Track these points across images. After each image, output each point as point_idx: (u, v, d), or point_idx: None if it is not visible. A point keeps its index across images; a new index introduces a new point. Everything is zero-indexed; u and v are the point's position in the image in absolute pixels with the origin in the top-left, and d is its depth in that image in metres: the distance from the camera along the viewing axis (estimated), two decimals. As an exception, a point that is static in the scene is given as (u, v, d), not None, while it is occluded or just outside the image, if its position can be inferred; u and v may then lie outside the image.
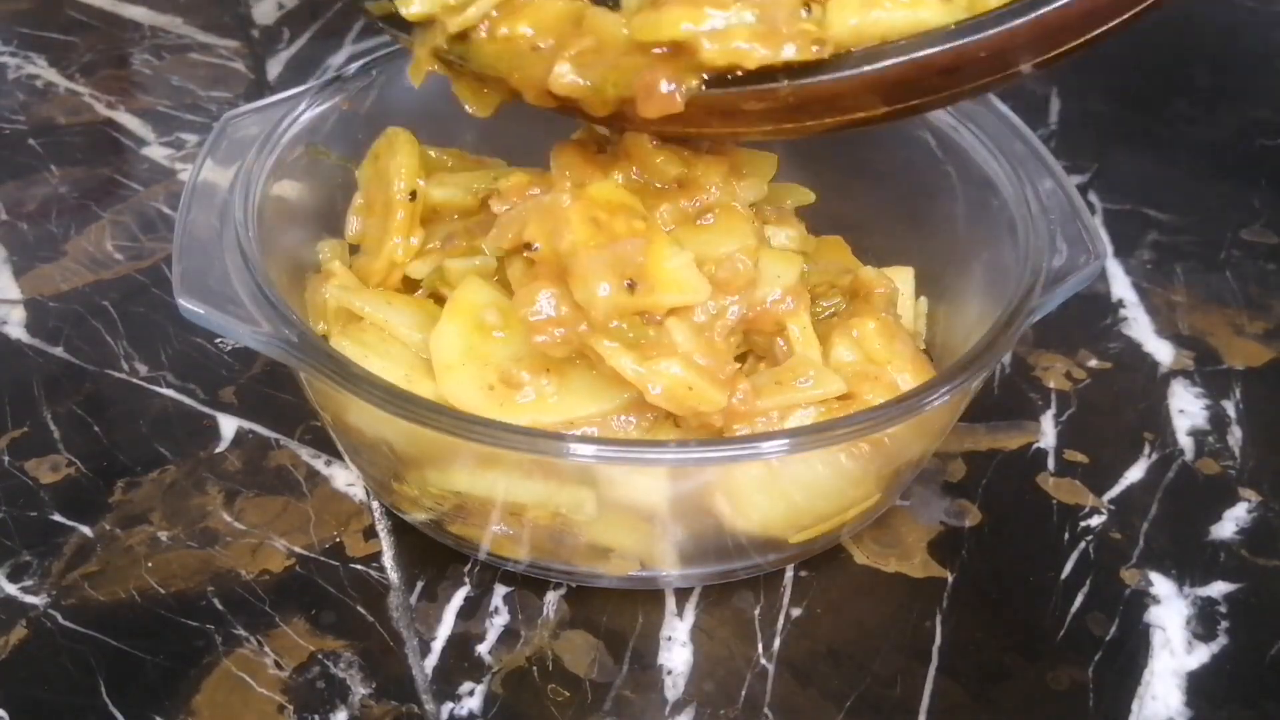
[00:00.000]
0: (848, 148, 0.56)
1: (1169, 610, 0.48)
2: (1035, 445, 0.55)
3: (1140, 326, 0.61)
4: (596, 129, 0.54)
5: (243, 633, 0.46)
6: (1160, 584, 0.49)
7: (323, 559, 0.49)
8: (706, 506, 0.44)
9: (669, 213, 0.48)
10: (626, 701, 0.45)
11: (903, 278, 0.52)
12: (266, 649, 0.46)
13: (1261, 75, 0.82)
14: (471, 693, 0.45)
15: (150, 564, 0.48)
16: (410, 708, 0.44)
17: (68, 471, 0.52)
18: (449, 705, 0.44)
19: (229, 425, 0.54)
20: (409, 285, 0.51)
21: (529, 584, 0.48)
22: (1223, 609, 0.48)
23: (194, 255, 0.45)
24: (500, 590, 0.48)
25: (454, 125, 0.56)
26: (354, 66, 0.54)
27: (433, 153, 0.54)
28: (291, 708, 0.44)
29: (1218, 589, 0.49)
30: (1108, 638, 0.47)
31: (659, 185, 0.49)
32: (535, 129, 0.54)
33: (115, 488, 0.51)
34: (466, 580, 0.48)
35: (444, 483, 0.44)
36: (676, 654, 0.46)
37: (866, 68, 0.41)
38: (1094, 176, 0.71)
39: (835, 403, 0.45)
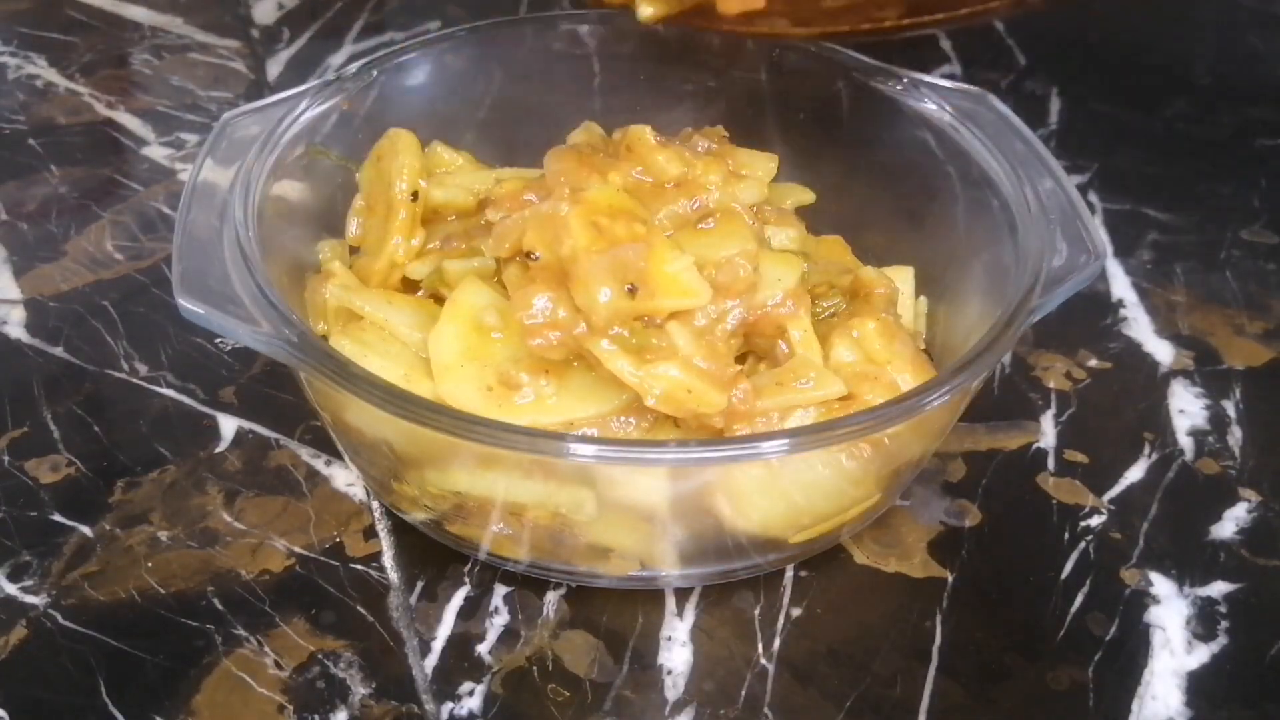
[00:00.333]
0: (848, 148, 0.56)
1: (1169, 610, 0.48)
2: (1035, 445, 0.55)
3: (1140, 326, 0.61)
4: (596, 130, 0.54)
5: (243, 633, 0.46)
6: (1160, 584, 0.49)
7: (323, 559, 0.49)
8: (706, 507, 0.44)
9: (669, 216, 0.48)
10: (626, 701, 0.45)
11: (903, 278, 0.53)
12: (266, 649, 0.46)
13: (1261, 75, 0.82)
14: (471, 693, 0.45)
15: (150, 564, 0.48)
16: (410, 708, 0.44)
17: (68, 471, 0.52)
18: (449, 705, 0.44)
19: (229, 425, 0.54)
20: (409, 286, 0.51)
21: (529, 584, 0.48)
22: (1223, 609, 0.48)
23: (194, 255, 0.45)
24: (500, 590, 0.48)
25: (454, 125, 0.56)
26: (354, 66, 0.54)
27: (444, 153, 0.54)
28: (291, 708, 0.44)
29: (1218, 589, 0.49)
30: (1108, 638, 0.47)
31: (659, 183, 0.49)
32: (535, 129, 0.54)
33: (115, 488, 0.51)
34: (466, 580, 0.48)
35: (444, 483, 0.44)
36: (676, 654, 0.46)
37: None
38: (1094, 176, 0.71)
39: (835, 403, 0.45)
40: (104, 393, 0.56)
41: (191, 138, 0.72)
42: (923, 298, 0.54)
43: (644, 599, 0.48)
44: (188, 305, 0.43)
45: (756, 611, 0.48)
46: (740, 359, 0.47)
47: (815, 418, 0.45)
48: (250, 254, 0.45)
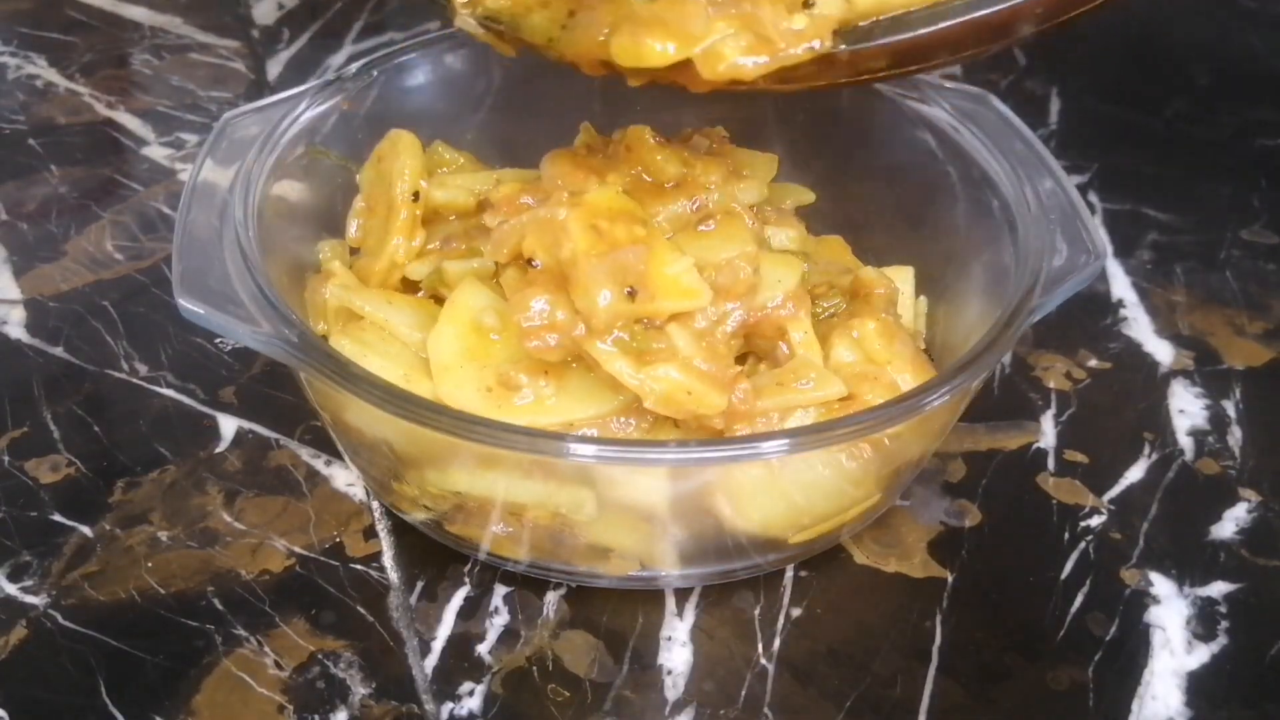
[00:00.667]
0: (848, 148, 0.56)
1: (1169, 610, 0.48)
2: (1035, 445, 0.55)
3: (1140, 326, 0.61)
4: (594, 132, 0.54)
5: (243, 633, 0.46)
6: (1160, 584, 0.49)
7: (323, 559, 0.49)
8: (706, 507, 0.44)
9: (669, 218, 0.48)
10: (626, 701, 0.45)
11: (903, 278, 0.53)
12: (266, 649, 0.46)
13: (1261, 75, 0.82)
14: (471, 693, 0.45)
15: (150, 564, 0.48)
16: (410, 708, 0.44)
17: (68, 471, 0.52)
18: (449, 705, 0.44)
19: (229, 425, 0.54)
20: (409, 287, 0.51)
21: (529, 584, 0.48)
22: (1223, 609, 0.48)
23: (194, 255, 0.45)
24: (500, 590, 0.48)
25: (454, 125, 0.56)
26: (354, 66, 0.54)
27: (445, 153, 0.54)
28: (291, 708, 0.44)
29: (1218, 589, 0.49)
30: (1108, 638, 0.47)
31: (658, 184, 0.49)
32: (535, 129, 0.54)
33: (115, 488, 0.51)
34: (466, 580, 0.48)
35: (444, 483, 0.44)
36: (676, 654, 0.46)
37: (923, 30, 0.42)
38: (1094, 176, 0.71)
39: (836, 403, 0.45)
40: (104, 393, 0.56)
41: (191, 138, 0.72)
42: (923, 298, 0.54)
43: (644, 599, 0.48)
44: (188, 305, 0.43)
45: (756, 611, 0.48)
46: (740, 359, 0.47)
47: (815, 418, 0.45)
48: (250, 254, 0.45)
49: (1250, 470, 0.54)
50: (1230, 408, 0.57)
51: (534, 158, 0.52)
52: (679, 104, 0.48)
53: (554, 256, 0.43)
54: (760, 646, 0.46)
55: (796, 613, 0.48)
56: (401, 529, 0.50)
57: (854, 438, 0.42)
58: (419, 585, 0.48)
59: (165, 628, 0.46)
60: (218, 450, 0.53)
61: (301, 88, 0.53)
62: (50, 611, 0.47)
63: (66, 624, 0.46)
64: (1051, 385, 0.58)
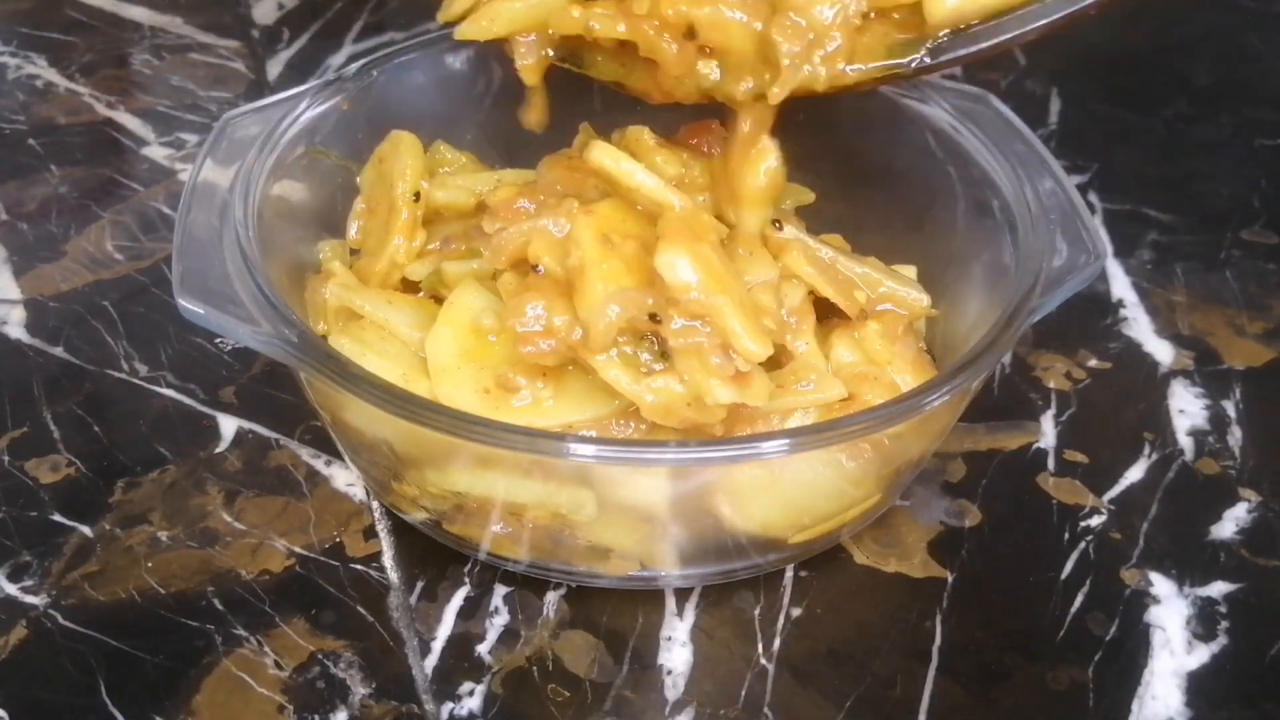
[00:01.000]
0: (848, 148, 0.56)
1: (1169, 610, 0.48)
2: (1035, 445, 0.55)
3: (1140, 326, 0.61)
4: (593, 133, 0.54)
5: (243, 633, 0.46)
6: (1160, 584, 0.49)
7: (323, 559, 0.49)
8: (706, 507, 0.44)
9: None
10: (626, 701, 0.45)
11: (904, 275, 0.52)
12: (266, 649, 0.46)
13: (1261, 75, 0.82)
14: (471, 693, 0.45)
15: (150, 564, 0.48)
16: (410, 708, 0.44)
17: (68, 471, 0.52)
18: (449, 705, 0.44)
19: (229, 425, 0.54)
20: (408, 288, 0.51)
21: (529, 584, 0.48)
22: (1223, 609, 0.48)
23: (194, 255, 0.45)
24: (500, 590, 0.48)
25: (454, 125, 0.56)
26: (354, 66, 0.54)
27: (447, 153, 0.54)
28: (291, 708, 0.44)
29: (1218, 589, 0.49)
30: (1108, 638, 0.47)
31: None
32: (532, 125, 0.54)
33: (115, 488, 0.51)
34: (466, 580, 0.48)
35: (444, 483, 0.44)
36: (676, 654, 0.46)
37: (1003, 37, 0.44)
38: (1094, 176, 0.71)
39: (836, 404, 0.45)
40: (104, 393, 0.56)
41: (191, 138, 0.72)
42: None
43: (644, 599, 0.48)
44: (188, 305, 0.43)
45: (756, 611, 0.48)
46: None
47: (815, 418, 0.45)
48: (250, 254, 0.45)
49: (1250, 470, 0.54)
50: (1230, 408, 0.57)
51: (535, 158, 0.52)
52: (680, 104, 0.48)
53: (560, 263, 0.43)
54: (760, 646, 0.46)
55: (796, 613, 0.48)
56: (401, 529, 0.50)
57: (854, 438, 0.42)
58: (419, 585, 0.48)
59: (165, 628, 0.46)
60: (218, 450, 0.53)
61: (301, 88, 0.53)
62: (50, 611, 0.47)
63: (66, 624, 0.46)
64: (1051, 385, 0.58)
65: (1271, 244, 0.67)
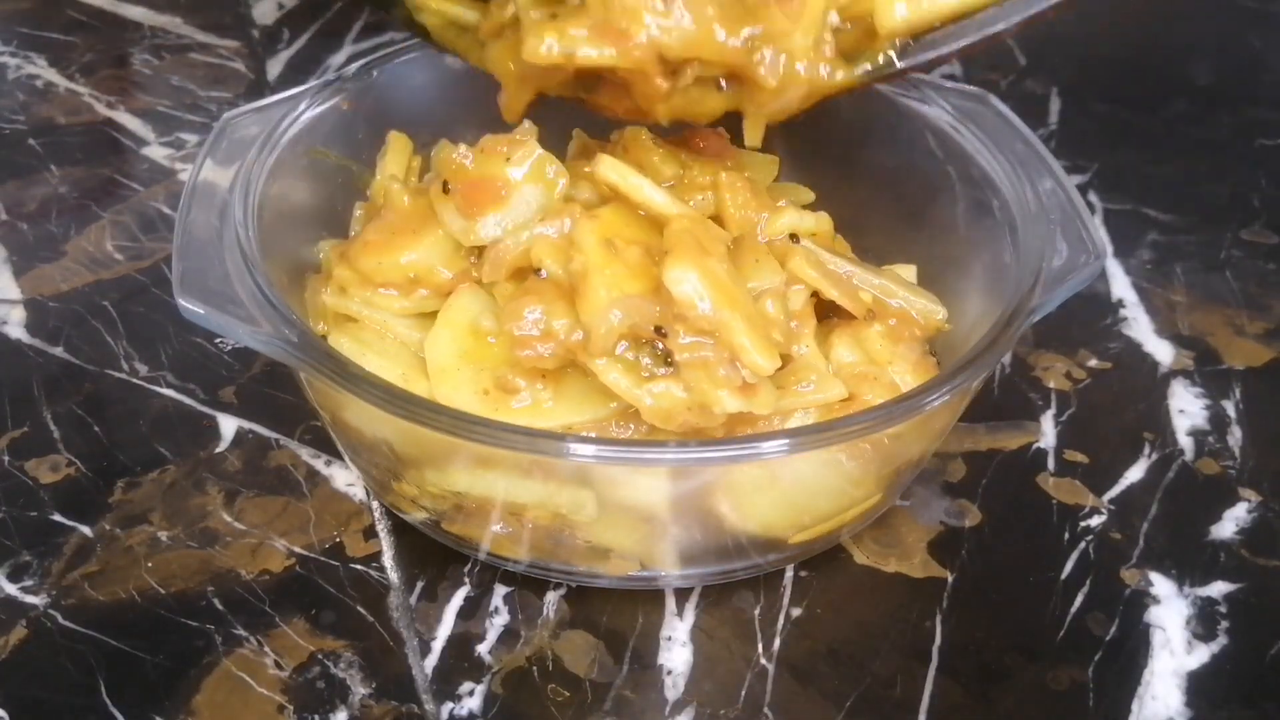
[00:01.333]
0: (848, 148, 0.56)
1: (1169, 610, 0.48)
2: (1035, 445, 0.55)
3: (1140, 326, 0.61)
4: (586, 139, 0.54)
5: (243, 633, 0.46)
6: (1160, 584, 0.49)
7: (323, 559, 0.49)
8: (707, 507, 0.44)
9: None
10: (626, 701, 0.45)
11: (905, 274, 0.52)
12: (266, 649, 0.46)
13: (1261, 75, 0.82)
14: (471, 693, 0.45)
15: (150, 564, 0.48)
16: (410, 708, 0.44)
17: (68, 471, 0.52)
18: (449, 705, 0.44)
19: (229, 425, 0.54)
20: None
21: (529, 584, 0.48)
22: (1223, 609, 0.48)
23: (194, 255, 0.45)
24: (500, 590, 0.48)
25: (455, 125, 0.56)
26: (354, 66, 0.54)
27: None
28: (291, 708, 0.44)
29: (1218, 589, 0.49)
30: (1108, 638, 0.47)
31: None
32: (536, 128, 0.54)
33: (115, 488, 0.51)
34: (466, 580, 0.48)
35: (444, 483, 0.44)
36: (676, 654, 0.46)
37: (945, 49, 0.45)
38: (1094, 176, 0.71)
39: (836, 404, 0.45)
40: (104, 393, 0.56)
41: (191, 138, 0.72)
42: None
43: (644, 599, 0.48)
44: (188, 305, 0.43)
45: (756, 611, 0.48)
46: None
47: (815, 418, 0.45)
48: (250, 254, 0.45)
49: (1250, 470, 0.54)
50: (1230, 408, 0.57)
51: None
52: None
53: (564, 266, 0.43)
54: (760, 646, 0.46)
55: (796, 613, 0.48)
56: (401, 529, 0.50)
57: (854, 438, 0.42)
58: (419, 585, 0.48)
59: (165, 628, 0.46)
60: (218, 450, 0.53)
61: (301, 88, 0.53)
62: (50, 611, 0.47)
63: (66, 624, 0.46)
64: (1051, 385, 0.58)
65: (1271, 244, 0.67)
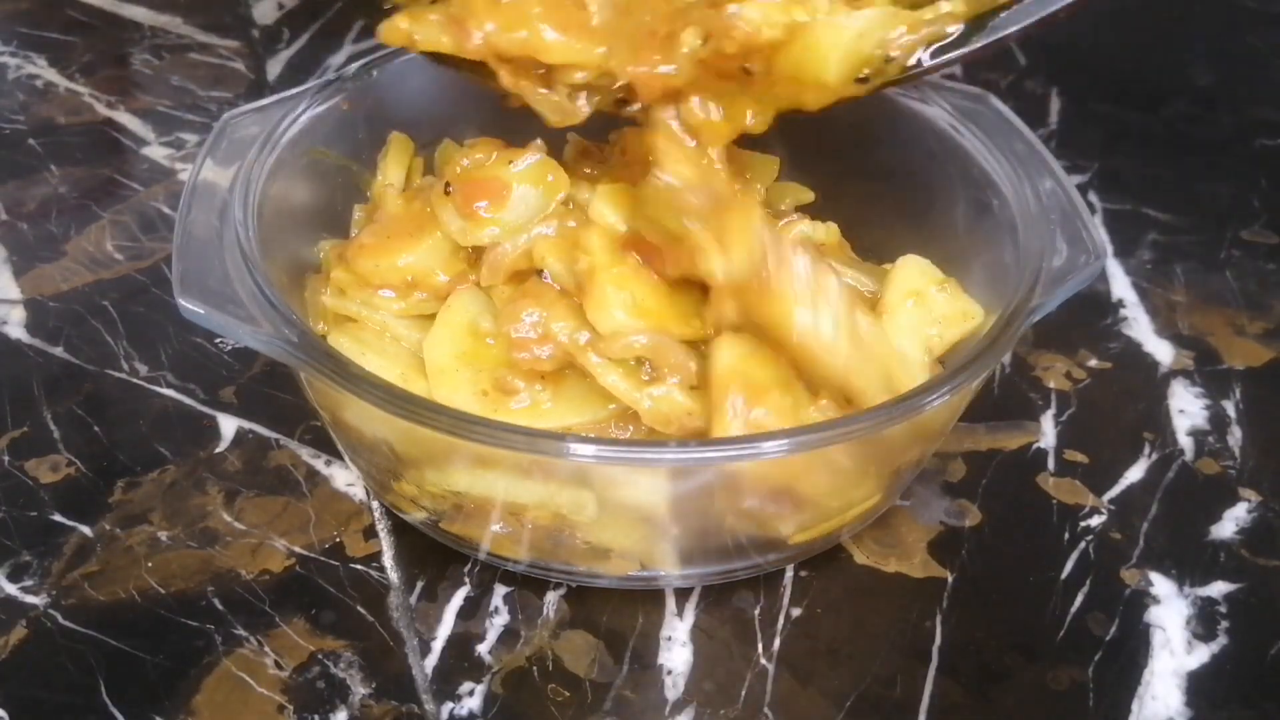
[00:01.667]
0: (848, 148, 0.56)
1: (1169, 610, 0.48)
2: (1035, 445, 0.55)
3: (1140, 326, 0.61)
4: (583, 143, 0.54)
5: (243, 633, 0.46)
6: (1160, 584, 0.49)
7: (323, 559, 0.49)
8: (707, 507, 0.44)
9: None
10: (626, 701, 0.45)
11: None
12: (266, 649, 0.46)
13: (1261, 75, 0.82)
14: (471, 693, 0.45)
15: (150, 564, 0.48)
16: (410, 708, 0.44)
17: (68, 471, 0.52)
18: (449, 705, 0.44)
19: (229, 425, 0.54)
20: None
21: (529, 584, 0.48)
22: (1223, 609, 0.48)
23: (194, 255, 0.45)
24: (500, 590, 0.48)
25: (455, 125, 0.56)
26: (354, 66, 0.54)
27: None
28: (291, 708, 0.44)
29: (1218, 589, 0.49)
30: (1108, 638, 0.47)
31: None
32: (536, 128, 0.54)
33: (115, 488, 0.51)
34: (466, 580, 0.48)
35: (443, 482, 0.44)
36: (676, 654, 0.46)
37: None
38: (1094, 176, 0.71)
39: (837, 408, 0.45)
40: (104, 393, 0.56)
41: (191, 138, 0.72)
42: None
43: (644, 599, 0.48)
44: (188, 305, 0.43)
45: (756, 611, 0.48)
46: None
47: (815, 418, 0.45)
48: (250, 254, 0.45)
49: (1250, 470, 0.54)
50: (1230, 408, 0.57)
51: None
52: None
53: (568, 267, 0.43)
54: (760, 646, 0.46)
55: (796, 612, 0.48)
56: (401, 529, 0.50)
57: (854, 437, 0.42)
58: (419, 585, 0.48)
59: (165, 628, 0.46)
60: (218, 450, 0.53)
61: (301, 88, 0.53)
62: (50, 611, 0.47)
63: (66, 624, 0.46)
64: (1051, 385, 0.58)
65: (1271, 244, 0.67)
